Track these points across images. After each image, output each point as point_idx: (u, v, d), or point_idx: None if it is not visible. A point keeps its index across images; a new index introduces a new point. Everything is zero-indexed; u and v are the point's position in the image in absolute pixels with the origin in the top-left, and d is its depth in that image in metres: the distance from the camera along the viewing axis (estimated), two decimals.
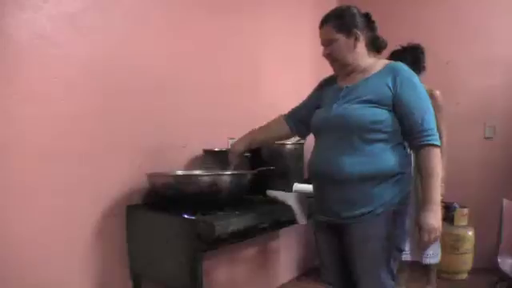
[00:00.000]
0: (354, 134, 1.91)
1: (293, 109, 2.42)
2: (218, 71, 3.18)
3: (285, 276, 4.06)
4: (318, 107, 2.20)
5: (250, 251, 3.58)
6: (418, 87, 1.96)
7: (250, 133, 2.50)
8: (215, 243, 2.17)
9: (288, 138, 2.51)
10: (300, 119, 2.36)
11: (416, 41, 3.36)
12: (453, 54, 4.29)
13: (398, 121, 1.94)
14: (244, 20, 3.45)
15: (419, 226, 1.91)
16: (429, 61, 3.39)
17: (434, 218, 1.88)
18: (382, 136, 1.92)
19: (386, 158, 1.92)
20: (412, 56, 3.29)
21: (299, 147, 2.89)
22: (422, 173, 1.92)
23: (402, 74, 1.95)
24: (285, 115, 2.42)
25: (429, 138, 1.89)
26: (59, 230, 2.24)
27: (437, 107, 3.29)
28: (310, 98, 2.35)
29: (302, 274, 4.25)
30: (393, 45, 3.37)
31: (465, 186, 4.08)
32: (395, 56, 3.31)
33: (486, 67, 4.19)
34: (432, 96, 3.28)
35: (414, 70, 3.26)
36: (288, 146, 2.80)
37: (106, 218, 2.45)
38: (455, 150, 3.51)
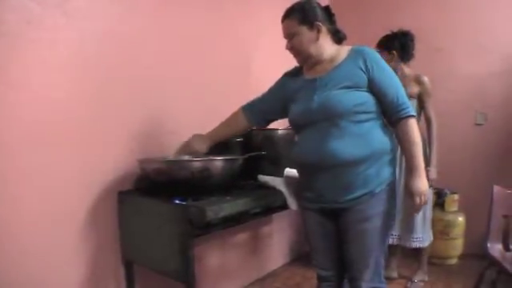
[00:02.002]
0: (341, 118, 1.96)
1: (252, 100, 2.46)
2: (210, 57, 3.16)
3: (277, 261, 4.08)
4: (282, 99, 2.27)
5: (241, 236, 3.59)
6: (385, 67, 2.04)
7: (210, 132, 2.51)
8: (206, 228, 2.17)
9: (247, 129, 2.53)
10: (258, 110, 2.42)
11: (407, 26, 3.36)
12: (444, 40, 4.28)
13: (377, 101, 2.02)
14: (235, 6, 3.43)
15: (410, 192, 2.02)
16: (420, 47, 3.40)
17: (422, 183, 2.00)
18: (368, 116, 1.98)
19: (377, 136, 2.00)
20: (400, 42, 3.31)
21: (291, 132, 2.88)
22: (405, 143, 2.03)
23: (370, 57, 2.02)
24: (243, 107, 2.46)
25: (406, 110, 2.01)
26: (51, 216, 2.23)
27: (426, 93, 3.31)
28: (272, 90, 2.40)
29: (294, 259, 4.27)
30: (384, 32, 3.39)
31: (456, 172, 4.10)
32: (384, 41, 3.33)
33: (478, 54, 4.19)
34: (421, 82, 3.29)
35: (401, 55, 3.30)
36: (279, 132, 2.79)
37: (98, 204, 2.45)
38: (447, 136, 3.53)
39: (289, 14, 2.11)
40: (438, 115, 3.36)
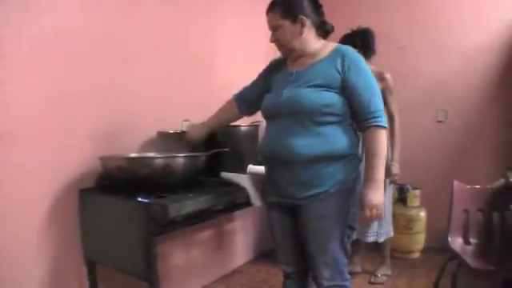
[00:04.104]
0: (306, 117, 1.94)
1: (243, 87, 2.45)
2: (172, 53, 3.13)
3: (241, 258, 4.08)
4: (268, 88, 2.23)
5: (205, 234, 3.57)
6: (364, 70, 2.00)
7: (206, 121, 2.51)
8: (169, 226, 2.14)
9: (240, 117, 2.52)
10: (247, 98, 2.40)
11: (371, 24, 3.39)
12: (407, 38, 4.36)
13: (347, 103, 1.98)
14: (200, 2, 3.40)
15: (361, 203, 1.98)
16: (383, 45, 3.43)
17: (376, 195, 1.95)
18: (333, 118, 1.95)
19: (338, 139, 1.96)
20: (362, 39, 3.32)
21: (253, 129, 2.88)
22: (367, 152, 1.98)
23: (349, 58, 1.98)
24: (234, 95, 2.46)
25: (375, 119, 1.95)
26: (9, 215, 2.17)
27: (388, 90, 3.33)
28: (260, 77, 2.37)
29: (258, 255, 4.28)
30: (346, 29, 3.40)
31: (417, 168, 4.19)
32: (345, 40, 3.34)
33: (439, 53, 4.28)
34: (382, 78, 3.31)
35: (364, 53, 3.32)
36: (242, 128, 2.79)
37: (58, 203, 2.40)
38: (408, 132, 3.59)
39: (272, 7, 2.08)
40: (400, 112, 3.39)
